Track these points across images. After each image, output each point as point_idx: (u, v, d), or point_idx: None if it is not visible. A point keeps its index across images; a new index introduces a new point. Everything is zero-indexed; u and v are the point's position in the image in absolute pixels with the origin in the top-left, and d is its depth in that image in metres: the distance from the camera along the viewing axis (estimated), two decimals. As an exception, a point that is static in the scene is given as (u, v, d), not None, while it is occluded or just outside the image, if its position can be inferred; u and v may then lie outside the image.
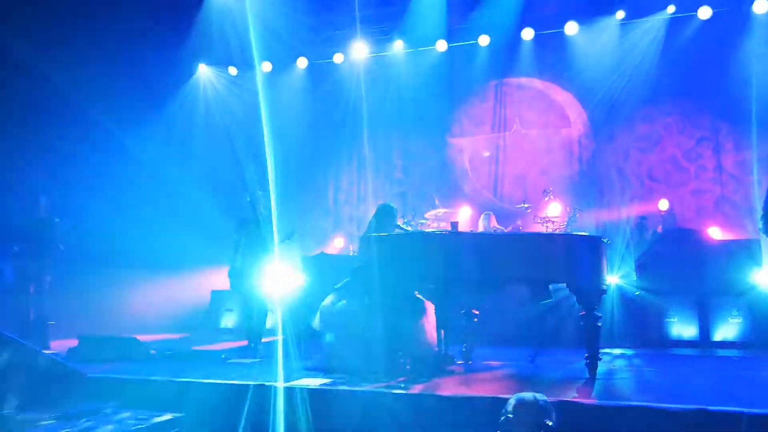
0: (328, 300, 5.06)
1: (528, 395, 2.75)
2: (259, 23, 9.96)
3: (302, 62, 11.10)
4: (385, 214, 5.22)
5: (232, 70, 11.34)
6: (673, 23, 9.15)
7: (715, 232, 7.99)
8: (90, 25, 8.82)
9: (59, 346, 6.09)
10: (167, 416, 3.40)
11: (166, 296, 9.52)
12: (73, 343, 5.60)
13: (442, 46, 10.31)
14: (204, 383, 4.07)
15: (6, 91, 8.31)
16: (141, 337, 5.70)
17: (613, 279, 7.44)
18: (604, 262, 4.70)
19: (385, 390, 3.83)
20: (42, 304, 6.62)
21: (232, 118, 10.98)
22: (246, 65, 11.17)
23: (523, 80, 10.25)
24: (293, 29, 10.19)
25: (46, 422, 3.04)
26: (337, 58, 10.89)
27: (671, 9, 9.05)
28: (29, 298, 6.62)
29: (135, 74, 9.81)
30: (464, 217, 9.35)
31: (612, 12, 9.38)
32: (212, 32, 10.21)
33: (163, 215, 9.90)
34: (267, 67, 11.21)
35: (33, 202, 6.80)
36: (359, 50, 10.71)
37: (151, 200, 9.84)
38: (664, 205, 8.30)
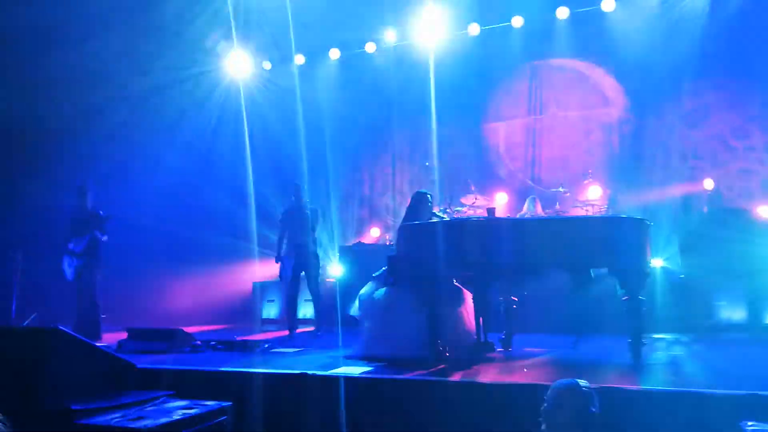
0: (367, 289, 5.10)
1: (570, 381, 2.72)
2: (290, 15, 10.06)
3: (335, 53, 11.11)
4: (419, 201, 5.21)
5: (266, 65, 11.44)
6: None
7: (765, 211, 7.67)
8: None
9: (110, 338, 6.34)
10: (214, 405, 3.50)
11: (210, 289, 9.79)
12: (123, 335, 5.80)
13: (474, 29, 10.16)
14: (248, 372, 4.16)
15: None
16: (186, 329, 5.85)
17: (657, 262, 7.26)
18: (648, 245, 4.59)
19: (425, 378, 3.85)
20: (95, 299, 6.85)
21: (268, 111, 11.11)
22: (280, 59, 11.31)
23: (559, 61, 10.02)
24: (324, 20, 10.20)
25: (100, 412, 3.16)
26: (369, 47, 10.86)
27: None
28: (83, 293, 6.86)
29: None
30: (501, 202, 9.25)
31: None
32: (244, 26, 10.31)
33: (200, 212, 10.17)
34: (300, 60, 11.28)
35: (80, 196, 6.97)
36: (390, 39, 10.65)
37: (192, 199, 10.09)
38: (709, 184, 7.99)
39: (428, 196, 5.26)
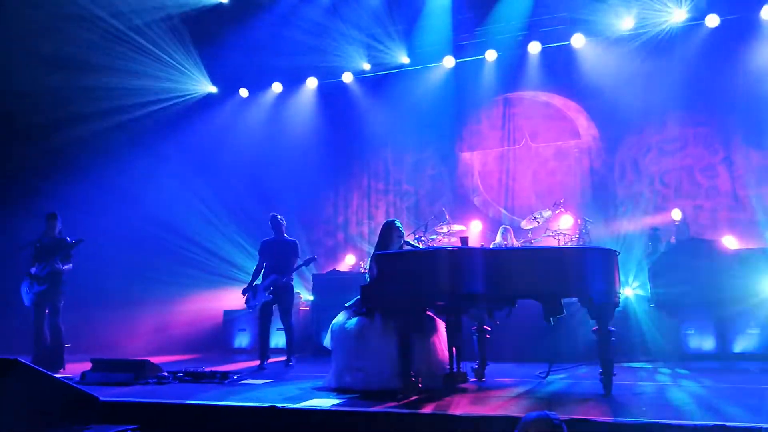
0: (339, 318, 5.05)
1: (540, 413, 2.72)
2: (270, 45, 10.18)
3: (312, 82, 11.21)
4: (389, 230, 5.20)
5: (243, 92, 11.48)
6: (683, 32, 9.10)
7: (730, 242, 7.87)
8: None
9: (74, 369, 6.13)
10: (179, 440, 3.40)
11: (179, 317, 9.59)
12: (87, 366, 5.63)
13: (449, 62, 10.37)
14: (215, 405, 4.06)
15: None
16: (153, 359, 5.70)
17: (627, 291, 7.37)
18: (617, 275, 4.66)
19: (397, 410, 3.80)
20: (57, 327, 6.66)
21: (242, 140, 11.11)
22: (256, 87, 11.37)
23: (531, 94, 10.26)
24: (302, 50, 10.34)
25: (59, 448, 3.04)
26: (346, 77, 10.99)
27: (682, 16, 9.00)
28: (45, 321, 6.67)
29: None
30: (475, 231, 9.33)
31: (619, 23, 9.37)
32: (224, 56, 10.39)
33: (172, 237, 10.06)
34: (277, 88, 11.35)
35: (49, 224, 6.85)
36: (367, 69, 10.82)
37: (159, 223, 9.99)
38: (677, 215, 8.19)
39: (397, 224, 5.26)
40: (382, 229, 5.26)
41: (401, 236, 5.22)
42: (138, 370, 5.36)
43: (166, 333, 9.38)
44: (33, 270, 6.69)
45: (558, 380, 5.16)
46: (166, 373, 5.52)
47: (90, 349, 7.80)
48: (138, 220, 9.86)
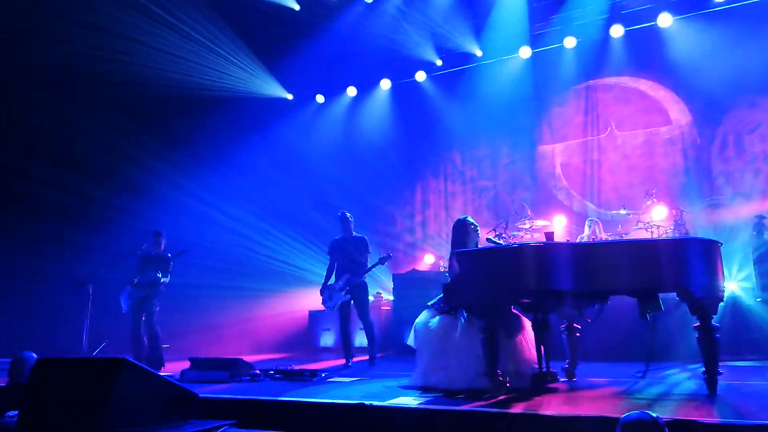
0: (422, 317, 5.03)
1: (641, 414, 2.57)
2: (342, 50, 10.36)
3: (385, 83, 11.29)
4: (462, 228, 5.10)
5: (320, 98, 11.76)
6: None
7: None
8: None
9: (173, 367, 6.50)
10: (273, 435, 3.51)
11: (267, 318, 9.95)
12: (186, 364, 5.95)
13: (525, 52, 10.10)
14: (306, 402, 4.17)
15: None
16: (245, 358, 5.94)
17: (730, 285, 6.86)
18: (720, 267, 4.33)
19: (485, 410, 3.72)
20: (154, 330, 7.10)
21: (320, 145, 11.38)
22: (332, 92, 11.62)
23: (615, 80, 9.79)
24: (374, 52, 10.43)
25: (163, 441, 3.22)
26: (419, 76, 10.98)
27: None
28: (141, 325, 7.13)
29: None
30: (559, 226, 9.01)
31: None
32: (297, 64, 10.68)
33: (259, 239, 10.47)
34: (352, 91, 11.53)
35: (155, 240, 7.36)
36: (439, 65, 10.75)
37: (246, 225, 10.42)
38: (785, 201, 7.55)
39: (470, 220, 5.16)
40: (454, 226, 5.18)
41: (477, 231, 5.12)
42: (233, 369, 5.59)
43: (255, 332, 9.76)
44: (135, 280, 7.19)
45: (656, 380, 4.88)
46: (258, 371, 5.72)
47: (186, 348, 8.24)
48: (232, 215, 10.33)
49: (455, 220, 5.31)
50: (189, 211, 9.95)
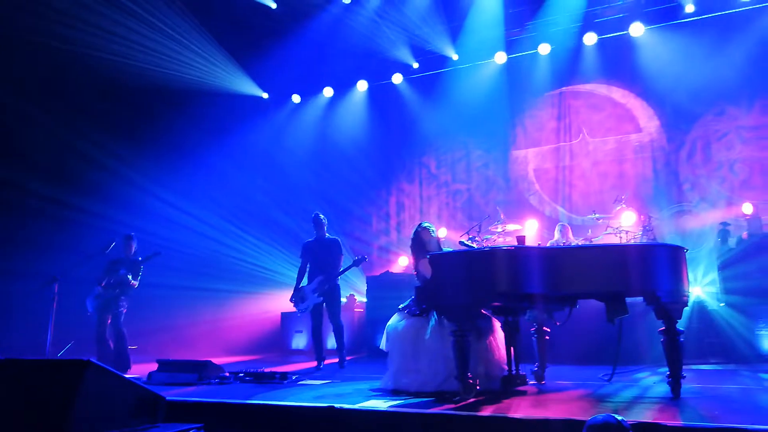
0: (394, 320, 5.04)
1: (606, 417, 2.61)
2: (319, 51, 10.32)
3: (362, 85, 11.29)
4: (422, 234, 5.17)
5: (296, 98, 11.69)
6: (746, 16, 8.62)
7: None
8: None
9: (140, 369, 6.39)
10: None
11: (239, 319, 9.85)
12: (153, 366, 5.85)
13: (501, 58, 10.21)
14: (275, 405, 4.13)
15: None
16: (214, 360, 5.86)
17: (695, 290, 7.04)
18: (685, 273, 4.44)
19: (455, 412, 3.74)
20: (120, 331, 6.98)
21: (296, 145, 11.32)
22: (308, 92, 11.57)
23: (588, 87, 9.96)
24: (351, 53, 10.42)
25: (128, 445, 3.16)
26: (396, 78, 11.00)
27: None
28: (107, 327, 7.00)
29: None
30: (531, 230, 9.12)
31: (680, 10, 8.96)
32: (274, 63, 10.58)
33: (230, 239, 10.35)
34: (328, 92, 11.50)
35: (126, 244, 7.26)
36: (415, 67, 10.79)
37: (218, 225, 10.30)
38: (748, 209, 7.75)
39: (425, 225, 5.23)
40: (414, 235, 5.23)
41: (435, 237, 5.17)
42: (201, 371, 5.51)
43: (226, 334, 9.65)
44: (104, 282, 7.06)
45: (623, 383, 4.97)
46: (227, 374, 5.66)
47: (155, 350, 8.11)
48: (200, 218, 10.18)
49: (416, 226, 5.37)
50: (157, 213, 9.76)
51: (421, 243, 5.14)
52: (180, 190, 10.13)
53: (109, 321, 6.99)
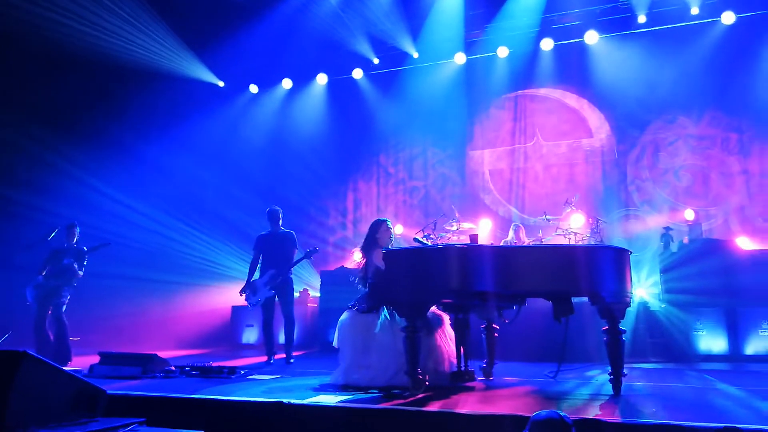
0: (345, 315, 5.02)
1: (550, 413, 2.68)
2: (279, 41, 10.17)
3: (322, 78, 11.20)
4: (376, 228, 5.16)
5: (253, 88, 11.50)
6: (697, 30, 8.99)
7: (744, 242, 7.77)
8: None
9: (82, 362, 6.17)
10: (187, 434, 3.39)
11: (187, 312, 9.63)
12: (95, 359, 5.65)
13: (460, 58, 10.31)
14: (221, 400, 4.05)
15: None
16: (161, 353, 5.71)
17: (638, 291, 7.31)
18: (629, 274, 4.59)
19: (403, 408, 3.76)
20: (61, 321, 6.73)
21: (251, 136, 11.13)
22: (266, 83, 11.38)
23: (543, 91, 10.19)
24: (312, 46, 10.32)
25: (65, 440, 3.04)
26: (356, 73, 10.97)
27: (695, 11, 8.85)
28: (49, 318, 6.74)
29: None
30: (485, 229, 9.27)
31: (633, 20, 9.27)
32: (232, 51, 10.35)
33: (180, 230, 10.09)
34: (287, 84, 11.35)
35: (68, 233, 7.01)
36: (376, 63, 10.78)
37: (167, 215, 10.02)
38: (690, 215, 8.11)
39: (387, 222, 5.23)
40: (371, 226, 5.22)
41: (390, 234, 5.18)
42: (146, 364, 5.36)
43: (175, 328, 9.42)
44: (45, 272, 6.80)
45: (567, 380, 5.11)
46: (173, 368, 5.52)
47: (99, 343, 7.84)
48: (146, 212, 9.88)
49: (373, 220, 5.36)
50: (101, 206, 9.43)
51: (371, 235, 5.13)
52: (126, 182, 9.81)
53: (50, 311, 6.72)
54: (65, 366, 5.63)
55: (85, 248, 6.97)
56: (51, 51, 8.63)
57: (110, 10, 8.89)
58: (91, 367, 5.48)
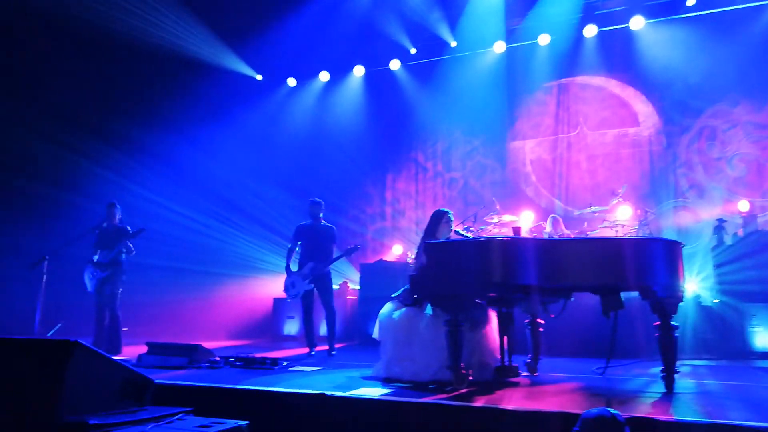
0: (387, 308, 4.99)
1: (601, 410, 2.58)
2: (316, 34, 10.18)
3: (359, 70, 11.17)
4: (438, 219, 5.09)
5: (291, 82, 11.56)
6: (757, 11, 8.55)
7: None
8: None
9: (130, 351, 6.33)
10: (231, 424, 3.42)
11: (231, 304, 9.79)
12: (143, 349, 5.79)
13: (500, 47, 10.12)
14: (265, 391, 4.09)
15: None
16: (206, 344, 5.81)
17: (690, 286, 7.04)
18: (681, 268, 4.41)
19: (447, 402, 3.71)
20: (115, 312, 6.90)
21: (290, 129, 11.20)
22: (304, 76, 11.43)
23: (587, 79, 9.90)
24: (349, 38, 10.29)
25: (117, 427, 3.10)
26: (393, 64, 10.89)
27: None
28: (103, 305, 6.92)
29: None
30: (527, 222, 9.09)
31: (682, 3, 8.89)
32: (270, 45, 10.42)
33: (223, 224, 10.24)
34: (325, 76, 11.37)
35: (109, 212, 7.13)
36: (413, 53, 10.68)
37: (213, 209, 10.18)
38: (744, 206, 7.75)
39: (448, 214, 5.14)
40: (431, 217, 5.16)
41: (450, 226, 5.11)
42: (192, 354, 5.46)
43: (217, 319, 9.59)
44: (95, 257, 6.97)
45: (616, 377, 4.96)
46: (218, 358, 5.61)
47: (145, 333, 8.04)
48: (190, 206, 10.08)
49: (432, 212, 5.29)
50: (145, 196, 9.64)
51: (431, 227, 5.07)
52: (166, 181, 10.00)
53: (105, 303, 6.90)
54: (115, 356, 5.78)
55: (128, 228, 7.06)
56: (89, 48, 8.84)
57: (150, 5, 9.03)
58: (139, 356, 5.62)
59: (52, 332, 7.55)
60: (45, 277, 6.79)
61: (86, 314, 7.27)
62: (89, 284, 6.96)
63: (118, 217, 7.15)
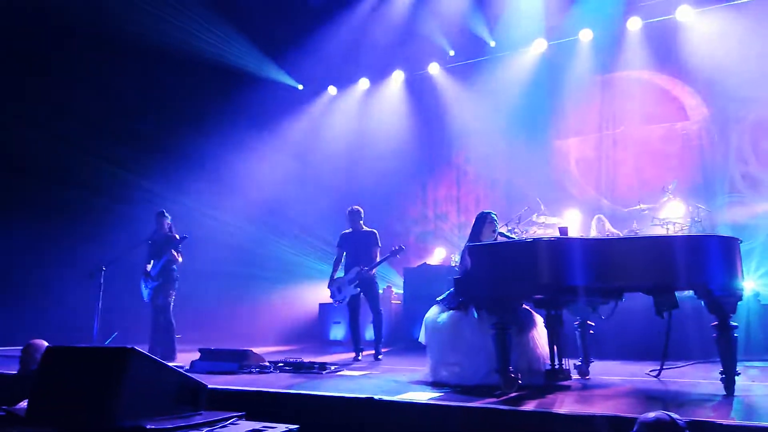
0: (432, 312, 4.97)
1: (660, 414, 2.50)
2: (354, 42, 10.28)
3: (398, 75, 11.20)
4: (482, 221, 5.05)
5: (332, 90, 11.70)
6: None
7: None
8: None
9: (183, 358, 6.50)
10: (281, 428, 3.47)
11: (278, 309, 9.95)
12: (195, 355, 5.94)
13: (540, 45, 9.96)
14: (315, 395, 4.13)
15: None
16: (255, 349, 5.92)
17: (748, 284, 6.73)
18: (739, 265, 4.23)
19: (496, 406, 3.66)
20: (169, 320, 7.10)
21: (333, 136, 11.33)
22: (344, 84, 11.56)
23: (632, 73, 9.63)
24: (387, 43, 10.34)
25: (173, 431, 3.19)
26: (432, 68, 10.88)
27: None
28: (158, 314, 7.14)
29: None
30: (572, 221, 8.90)
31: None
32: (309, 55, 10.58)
33: (268, 231, 10.42)
34: (364, 83, 11.45)
35: (159, 221, 7.32)
36: (452, 55, 10.64)
37: (260, 216, 10.37)
38: (804, 199, 7.39)
39: (492, 216, 5.09)
40: (475, 219, 5.12)
41: (495, 228, 5.06)
42: (242, 360, 5.57)
43: (265, 324, 9.76)
44: (148, 267, 7.19)
45: (671, 380, 4.79)
46: (268, 363, 5.70)
47: (197, 339, 8.26)
48: (238, 214, 10.31)
49: (475, 214, 5.25)
50: (193, 206, 9.89)
51: (475, 230, 5.05)
52: (217, 183, 10.25)
53: (159, 311, 7.12)
54: (171, 363, 5.95)
55: (177, 236, 7.21)
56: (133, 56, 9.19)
57: (195, 20, 9.31)
58: (192, 362, 5.76)
59: (109, 340, 7.82)
60: (102, 287, 7.05)
61: (142, 322, 7.52)
62: (145, 294, 7.19)
63: (167, 225, 7.33)
